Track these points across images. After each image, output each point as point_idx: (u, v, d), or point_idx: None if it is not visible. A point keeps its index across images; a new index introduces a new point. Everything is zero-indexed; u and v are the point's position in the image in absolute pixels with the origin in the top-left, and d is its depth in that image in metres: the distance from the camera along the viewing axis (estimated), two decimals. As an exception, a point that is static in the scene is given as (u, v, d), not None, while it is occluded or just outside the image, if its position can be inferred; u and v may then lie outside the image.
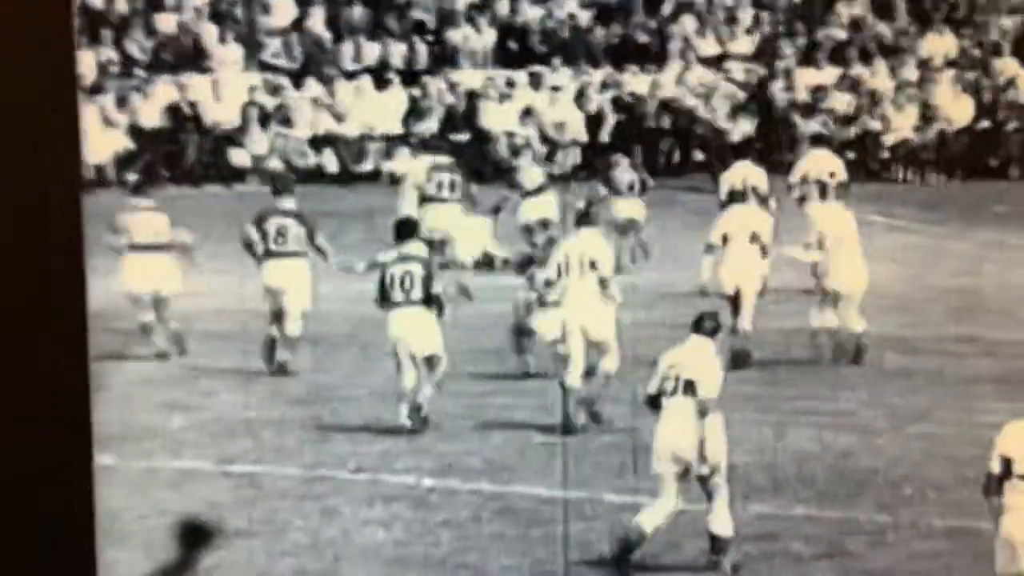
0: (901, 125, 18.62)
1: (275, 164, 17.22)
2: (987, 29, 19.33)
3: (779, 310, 11.54)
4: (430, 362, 9.58)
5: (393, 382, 10.25)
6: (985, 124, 18.78)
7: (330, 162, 17.96)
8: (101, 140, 16.62)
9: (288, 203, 11.21)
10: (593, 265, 9.72)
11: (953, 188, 18.27)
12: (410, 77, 18.52)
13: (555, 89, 18.58)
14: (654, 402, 7.79)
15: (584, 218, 10.09)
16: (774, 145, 18.10)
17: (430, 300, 9.44)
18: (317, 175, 17.59)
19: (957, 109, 18.71)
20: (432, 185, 13.56)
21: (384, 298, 9.52)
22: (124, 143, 17.10)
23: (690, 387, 7.63)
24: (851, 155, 18.75)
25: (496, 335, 12.17)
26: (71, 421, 3.64)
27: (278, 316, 10.88)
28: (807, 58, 19.28)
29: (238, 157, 17.64)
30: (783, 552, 8.03)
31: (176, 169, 17.50)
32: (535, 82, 18.54)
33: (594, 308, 9.66)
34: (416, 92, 18.42)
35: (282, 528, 8.29)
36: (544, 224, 13.46)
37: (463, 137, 18.04)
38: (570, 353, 9.67)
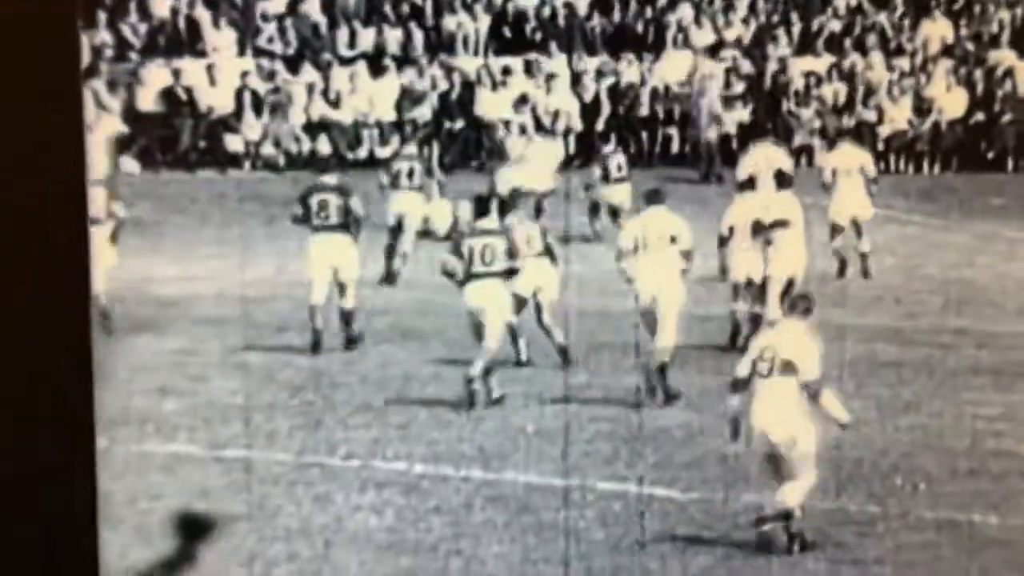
0: (896, 116, 18.62)
1: (268, 150, 17.21)
2: (987, 19, 19.30)
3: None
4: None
5: (383, 368, 10.23)
6: (980, 116, 18.78)
7: (325, 148, 17.93)
8: (95, 124, 16.57)
9: (331, 178, 11.55)
10: (673, 240, 10.21)
11: (949, 179, 18.27)
12: (405, 63, 18.48)
13: (550, 77, 18.56)
14: (740, 385, 7.86)
15: (655, 195, 10.55)
16: (768, 134, 18.08)
17: (512, 272, 9.96)
18: (311, 161, 17.56)
19: (951, 100, 18.71)
20: (400, 174, 13.69)
21: (464, 271, 10.08)
22: (118, 127, 17.05)
23: (788, 367, 7.69)
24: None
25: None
26: (74, 406, 3.63)
27: (322, 286, 11.26)
28: (802, 47, 19.26)
29: (232, 143, 17.60)
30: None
31: (170, 154, 17.46)
32: (530, 70, 18.52)
33: (670, 282, 10.12)
34: (410, 79, 18.38)
35: (273, 513, 8.28)
36: (518, 194, 13.64)
37: (458, 124, 18.01)
38: (654, 326, 10.13)
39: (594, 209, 14.63)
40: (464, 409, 9.86)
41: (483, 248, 9.97)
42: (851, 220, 13.06)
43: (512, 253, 9.96)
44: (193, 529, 5.55)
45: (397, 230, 13.20)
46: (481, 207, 10.45)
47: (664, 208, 10.46)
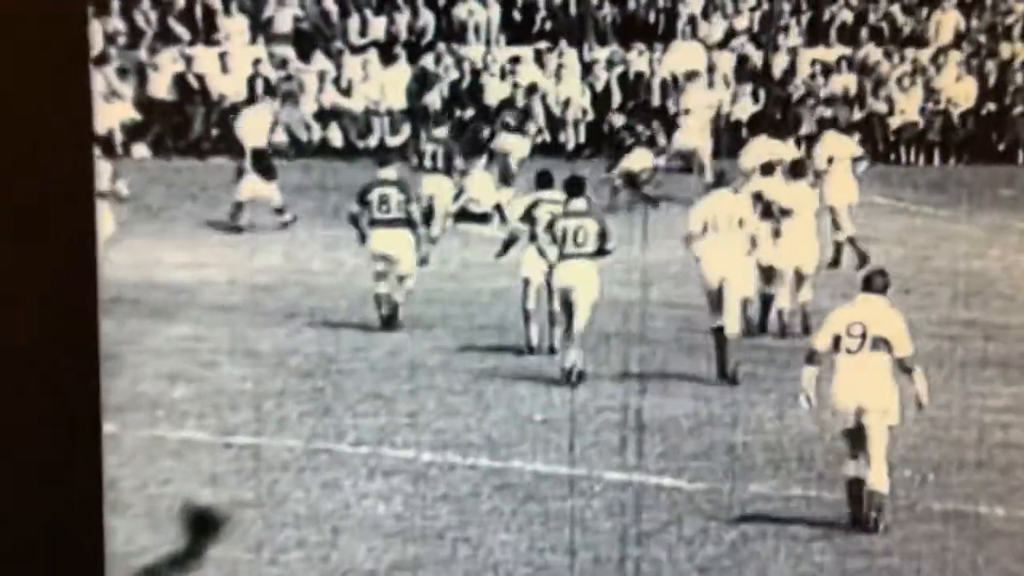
0: (906, 107, 18.55)
1: (279, 138, 17.21)
2: (1000, 10, 19.20)
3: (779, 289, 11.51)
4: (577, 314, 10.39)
5: (393, 356, 10.22)
6: (991, 107, 18.70)
7: (335, 136, 17.93)
8: (106, 110, 16.58)
9: (390, 173, 11.71)
10: (740, 223, 10.46)
11: (960, 171, 18.21)
12: (416, 52, 18.46)
13: (560, 67, 18.53)
14: (816, 358, 7.93)
15: (720, 179, 11.09)
16: (778, 124, 18.05)
17: (602, 252, 10.31)
18: (322, 149, 17.57)
19: (961, 91, 18.63)
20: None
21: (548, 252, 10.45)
22: (130, 113, 17.05)
23: (880, 343, 7.75)
24: (858, 136, 18.71)
25: (495, 311, 12.18)
26: (80, 393, 3.64)
27: (383, 276, 11.60)
28: (812, 38, 19.20)
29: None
30: (781, 532, 8.02)
31: (182, 141, 17.47)
32: (540, 59, 18.50)
33: (737, 265, 10.36)
34: (422, 67, 18.36)
35: (282, 500, 8.29)
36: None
37: (468, 112, 18.00)
38: (719, 307, 10.40)
39: (613, 191, 14.70)
40: (567, 384, 10.06)
41: (576, 229, 10.23)
42: (845, 207, 13.27)
43: (604, 235, 10.21)
44: (202, 525, 5.54)
45: (428, 214, 13.41)
46: (543, 181, 10.97)
47: (729, 191, 10.72)
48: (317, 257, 11.84)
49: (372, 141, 17.80)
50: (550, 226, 10.37)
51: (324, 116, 17.98)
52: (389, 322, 11.53)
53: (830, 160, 13.59)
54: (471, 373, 10.60)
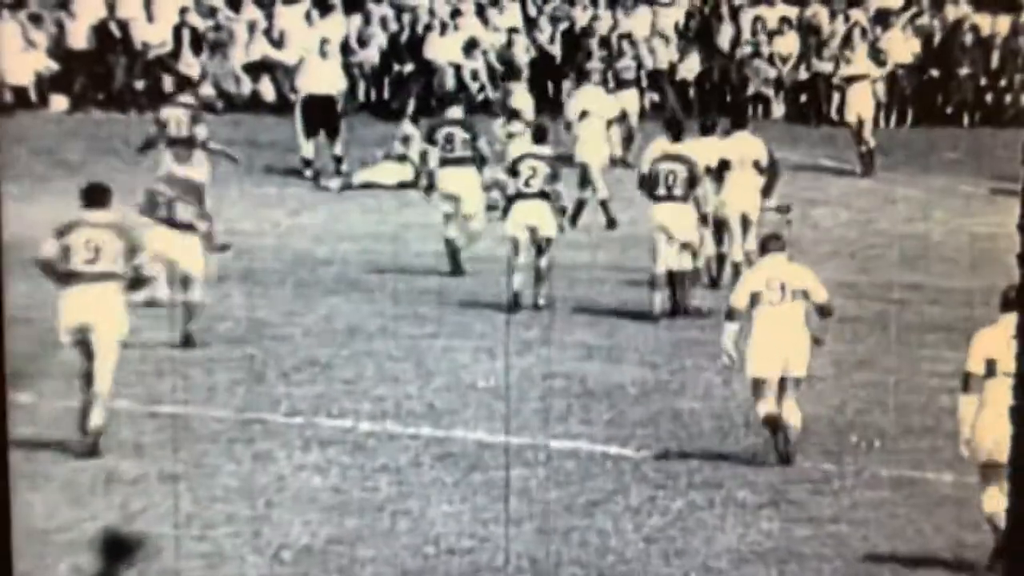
0: (852, 68, 18.49)
1: (208, 91, 16.74)
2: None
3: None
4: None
5: (327, 320, 9.93)
6: (936, 70, 18.69)
7: (267, 90, 17.46)
8: (21, 60, 15.87)
9: (456, 112, 12.16)
10: (756, 164, 11.64)
11: (904, 134, 18.23)
12: (353, 3, 18.02)
13: (512, 29, 18.25)
14: (736, 314, 8.49)
15: (740, 122, 12.18)
16: (720, 83, 17.91)
17: (687, 198, 11.17)
18: (253, 103, 17.12)
19: (904, 51, 18.61)
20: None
21: (650, 193, 11.25)
22: (45, 63, 16.39)
23: (798, 295, 8.40)
24: (803, 98, 18.64)
25: (435, 276, 11.93)
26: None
27: (450, 217, 11.89)
28: (756, -2, 19.06)
29: (169, 83, 17.05)
30: (728, 500, 7.90)
31: (102, 93, 16.89)
32: (482, 12, 18.18)
33: (749, 197, 11.40)
34: (358, 18, 17.95)
35: (212, 473, 8.02)
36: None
37: (407, 68, 17.64)
38: (728, 231, 11.51)
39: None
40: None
41: (668, 173, 11.06)
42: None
43: (693, 180, 11.04)
44: (117, 550, 5.22)
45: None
46: (540, 135, 11.51)
47: (747, 133, 11.89)
48: (248, 216, 11.50)
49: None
50: (650, 171, 11.26)
51: (254, 68, 17.49)
52: (456, 269, 11.70)
53: (725, 164, 12.50)
54: (411, 338, 10.36)
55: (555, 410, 9.05)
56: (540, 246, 11.21)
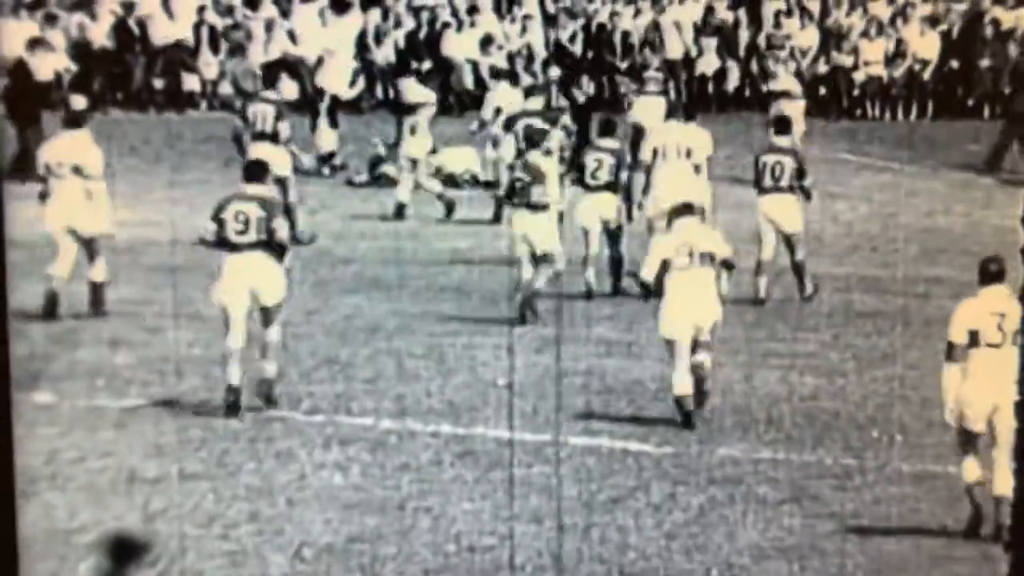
0: (871, 59, 18.40)
1: (226, 89, 16.77)
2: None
3: (748, 250, 11.35)
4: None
5: (348, 319, 9.88)
6: (956, 62, 18.57)
7: (289, 89, 17.47)
8: (40, 61, 15.90)
9: (536, 104, 12.57)
10: (689, 153, 11.66)
11: (925, 126, 18.12)
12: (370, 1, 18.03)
13: (526, 17, 18.23)
14: (648, 286, 8.99)
15: (686, 109, 12.27)
16: (741, 78, 17.84)
17: (793, 189, 11.36)
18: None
19: (925, 45, 18.49)
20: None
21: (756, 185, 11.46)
22: (65, 63, 16.42)
23: (707, 258, 8.74)
24: (822, 91, 18.55)
25: (455, 273, 11.91)
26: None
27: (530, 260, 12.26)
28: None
29: (189, 82, 17.10)
30: (749, 495, 7.87)
31: (122, 92, 16.93)
32: (499, 9, 18.16)
33: (687, 189, 10.96)
34: (376, 16, 17.95)
35: (233, 472, 8.02)
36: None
37: (425, 65, 17.64)
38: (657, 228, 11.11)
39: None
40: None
41: (775, 164, 11.23)
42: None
43: (801, 172, 11.21)
44: (123, 552, 5.21)
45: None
46: (607, 129, 11.73)
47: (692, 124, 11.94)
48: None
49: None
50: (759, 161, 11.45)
51: (274, 67, 17.47)
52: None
53: (657, 153, 12.35)
54: (431, 336, 10.35)
55: (574, 406, 9.04)
56: (613, 235, 11.47)
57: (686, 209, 8.92)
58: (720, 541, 7.32)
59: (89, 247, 10.49)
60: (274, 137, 12.49)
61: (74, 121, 10.73)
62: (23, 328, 9.02)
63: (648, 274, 8.85)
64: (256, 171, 8.98)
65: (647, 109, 14.72)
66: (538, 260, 10.73)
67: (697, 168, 11.74)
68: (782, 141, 11.52)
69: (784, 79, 16.46)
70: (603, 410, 9.00)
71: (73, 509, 7.22)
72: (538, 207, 10.75)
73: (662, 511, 7.66)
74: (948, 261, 12.57)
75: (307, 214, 13.19)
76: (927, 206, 14.54)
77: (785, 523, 7.57)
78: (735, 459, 8.29)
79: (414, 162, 14.01)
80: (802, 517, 7.64)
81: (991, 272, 7.60)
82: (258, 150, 12.03)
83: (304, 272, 11.39)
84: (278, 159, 11.78)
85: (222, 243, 8.68)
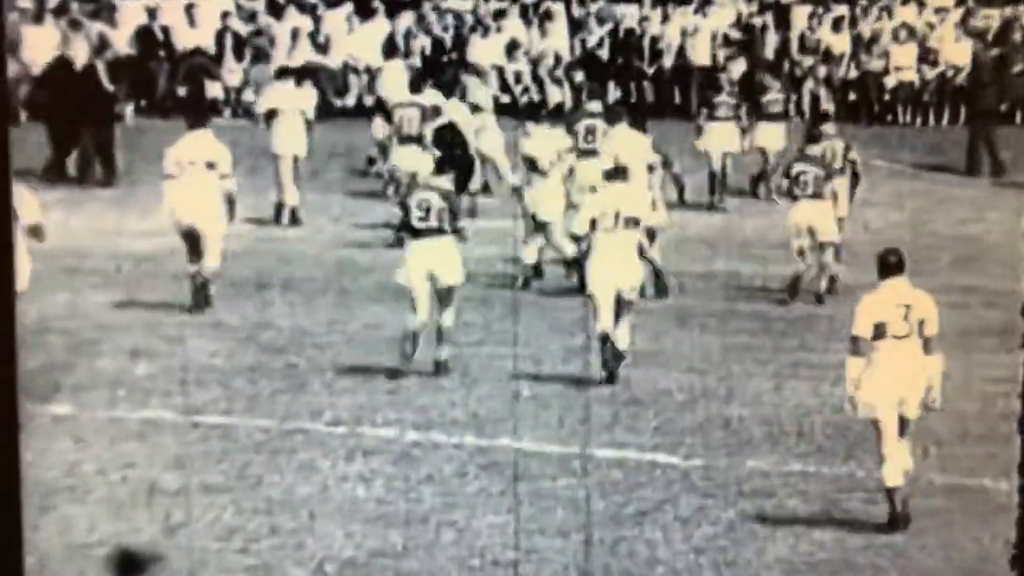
0: (902, 63, 18.21)
1: (249, 97, 16.77)
2: (994, -29, 18.84)
3: (777, 256, 11.23)
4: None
5: (371, 329, 9.85)
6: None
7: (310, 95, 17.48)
8: (76, 55, 15.86)
9: (596, 106, 12.64)
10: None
11: (957, 133, 17.94)
12: (396, 7, 18.01)
13: (548, 17, 18.16)
14: (579, 239, 9.38)
15: (616, 116, 12.15)
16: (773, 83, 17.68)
17: (823, 196, 11.68)
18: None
19: (956, 52, 18.31)
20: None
21: (789, 194, 11.73)
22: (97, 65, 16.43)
23: (630, 223, 9.17)
24: (852, 96, 18.39)
25: (482, 282, 11.84)
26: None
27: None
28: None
29: (212, 89, 17.10)
30: (779, 509, 7.75)
31: (145, 99, 16.96)
32: (525, 14, 18.11)
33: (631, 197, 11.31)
34: (401, 22, 17.93)
35: (254, 484, 7.97)
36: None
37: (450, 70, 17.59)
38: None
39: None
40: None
41: (802, 173, 11.52)
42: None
43: (829, 174, 11.49)
44: (129, 567, 5.16)
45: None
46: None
47: (633, 131, 11.72)
48: (287, 228, 11.44)
49: (349, 100, 17.36)
50: (788, 171, 11.71)
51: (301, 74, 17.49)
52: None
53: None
54: (455, 346, 10.27)
55: (600, 418, 8.93)
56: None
57: (618, 173, 9.27)
58: (750, 556, 7.22)
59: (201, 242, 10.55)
60: (419, 140, 12.72)
61: (198, 122, 11.12)
62: (42, 339, 9.02)
63: (578, 229, 9.26)
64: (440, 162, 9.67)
65: (720, 136, 14.46)
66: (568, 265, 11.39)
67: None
68: (812, 149, 11.71)
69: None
70: (630, 422, 8.89)
71: (92, 522, 7.18)
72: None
73: (691, 525, 7.56)
74: (981, 270, 12.41)
75: (330, 222, 13.16)
76: (959, 213, 14.39)
77: (816, 537, 7.47)
78: (764, 472, 8.18)
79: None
80: (833, 531, 7.51)
81: (891, 264, 7.76)
82: (404, 152, 12.44)
83: (327, 282, 11.35)
84: (423, 162, 11.93)
85: (406, 228, 9.26)
